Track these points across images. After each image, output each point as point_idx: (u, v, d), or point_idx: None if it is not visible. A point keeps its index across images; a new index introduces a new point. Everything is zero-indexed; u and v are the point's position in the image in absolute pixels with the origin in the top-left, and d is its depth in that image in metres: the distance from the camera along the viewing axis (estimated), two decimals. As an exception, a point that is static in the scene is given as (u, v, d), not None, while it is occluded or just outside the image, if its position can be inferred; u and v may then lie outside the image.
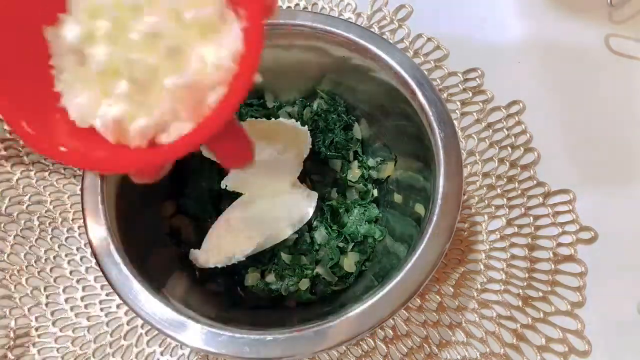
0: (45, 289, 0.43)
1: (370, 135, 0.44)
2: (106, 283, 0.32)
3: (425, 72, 0.38)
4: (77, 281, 0.43)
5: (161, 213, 0.41)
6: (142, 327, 0.41)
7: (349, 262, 0.40)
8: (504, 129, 0.47)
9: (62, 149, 0.21)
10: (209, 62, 0.21)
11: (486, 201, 0.45)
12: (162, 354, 0.41)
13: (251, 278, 0.40)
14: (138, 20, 0.21)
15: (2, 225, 0.44)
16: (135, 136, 0.21)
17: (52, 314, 0.42)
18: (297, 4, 0.53)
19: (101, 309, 0.42)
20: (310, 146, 0.40)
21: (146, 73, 0.21)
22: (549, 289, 0.42)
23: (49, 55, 0.22)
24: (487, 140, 0.47)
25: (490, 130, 0.47)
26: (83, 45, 0.21)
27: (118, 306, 0.42)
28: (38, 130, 0.21)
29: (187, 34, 0.21)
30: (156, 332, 0.33)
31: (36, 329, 0.41)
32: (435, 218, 0.32)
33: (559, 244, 0.43)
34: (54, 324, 0.41)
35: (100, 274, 0.32)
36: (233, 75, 0.21)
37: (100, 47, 0.21)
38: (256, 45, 0.20)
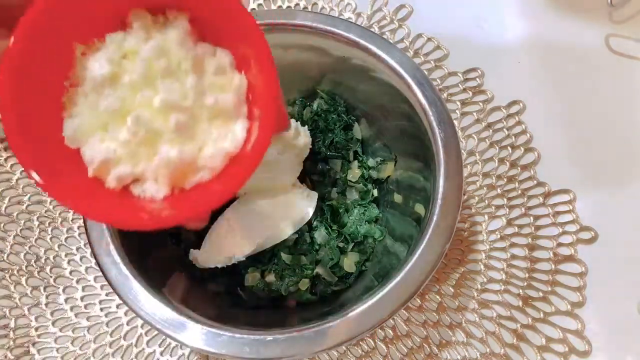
0: (45, 289, 0.43)
1: (370, 135, 0.44)
2: (106, 283, 0.32)
3: (425, 72, 0.38)
4: (77, 281, 0.43)
5: (161, 213, 0.41)
6: (142, 327, 0.41)
7: (349, 262, 0.40)
8: (504, 129, 0.47)
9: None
10: (207, 149, 0.22)
11: (486, 201, 0.45)
12: (162, 354, 0.41)
13: (251, 278, 0.40)
14: (164, 82, 0.22)
15: (2, 225, 0.44)
16: (114, 179, 0.22)
17: (51, 314, 0.42)
18: (297, 4, 0.53)
19: (101, 309, 0.42)
20: (310, 146, 0.40)
21: (148, 133, 0.22)
22: (549, 289, 0.42)
23: (69, 66, 0.22)
24: (487, 140, 0.47)
25: (490, 130, 0.47)
26: (105, 82, 0.22)
27: (118, 306, 0.42)
28: (30, 132, 0.21)
29: (200, 113, 0.22)
30: (156, 332, 0.33)
31: (36, 329, 0.41)
32: (435, 218, 0.32)
33: (559, 244, 0.43)
34: (53, 324, 0.41)
35: (100, 274, 0.32)
36: (222, 172, 0.22)
37: (120, 91, 0.22)
38: (255, 158, 0.21)
